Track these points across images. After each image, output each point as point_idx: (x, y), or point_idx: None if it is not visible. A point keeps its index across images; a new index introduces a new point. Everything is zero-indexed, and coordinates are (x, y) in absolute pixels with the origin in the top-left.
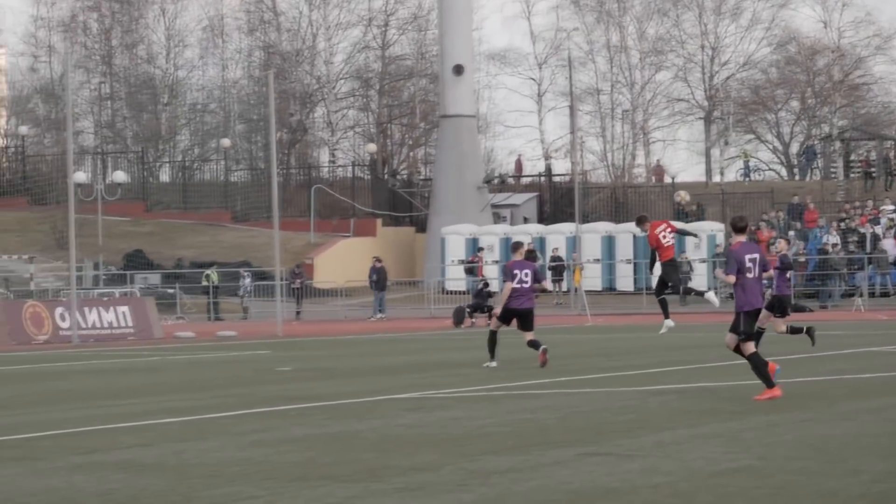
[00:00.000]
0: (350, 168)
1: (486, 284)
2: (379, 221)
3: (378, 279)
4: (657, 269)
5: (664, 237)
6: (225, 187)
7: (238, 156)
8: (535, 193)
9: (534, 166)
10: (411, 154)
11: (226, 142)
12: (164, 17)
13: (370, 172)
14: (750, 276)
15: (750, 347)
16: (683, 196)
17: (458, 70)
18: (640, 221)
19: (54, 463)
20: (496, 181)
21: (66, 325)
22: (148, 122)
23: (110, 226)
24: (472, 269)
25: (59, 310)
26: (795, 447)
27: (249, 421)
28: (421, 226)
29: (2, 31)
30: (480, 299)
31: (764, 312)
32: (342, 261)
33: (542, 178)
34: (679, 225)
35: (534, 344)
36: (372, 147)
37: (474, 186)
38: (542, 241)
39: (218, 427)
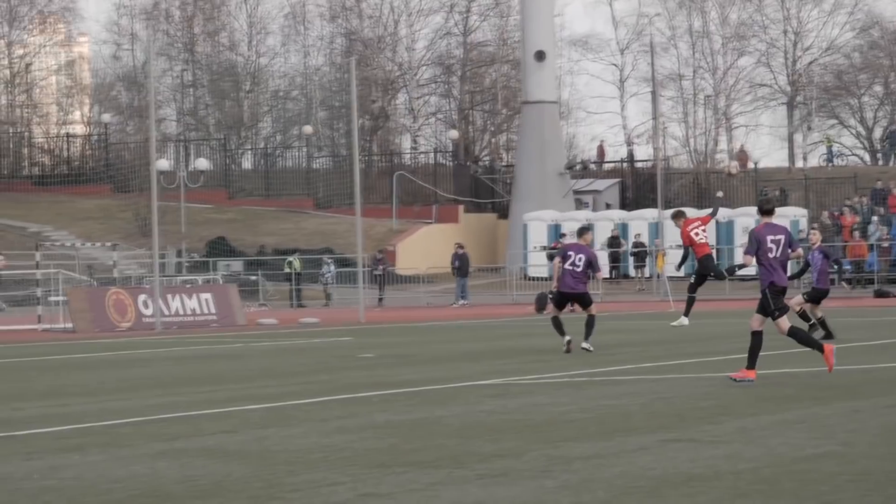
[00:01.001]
0: (432, 154)
1: None
2: (461, 208)
3: (460, 265)
4: (691, 266)
5: (696, 234)
6: (307, 174)
7: (320, 143)
8: (618, 179)
9: (616, 152)
10: (493, 140)
11: (308, 129)
12: (246, 4)
13: (452, 159)
14: (772, 255)
15: (784, 324)
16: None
17: (540, 56)
18: (676, 217)
19: (137, 450)
20: (578, 167)
21: (149, 312)
22: (230, 109)
23: (193, 213)
24: (554, 256)
25: (142, 297)
26: (880, 433)
27: (332, 407)
28: (503, 212)
29: (85, 19)
30: None
31: (797, 299)
32: (424, 247)
33: (625, 164)
34: (710, 214)
35: (590, 322)
36: (454, 133)
37: (556, 172)
38: (624, 227)
39: (301, 413)
